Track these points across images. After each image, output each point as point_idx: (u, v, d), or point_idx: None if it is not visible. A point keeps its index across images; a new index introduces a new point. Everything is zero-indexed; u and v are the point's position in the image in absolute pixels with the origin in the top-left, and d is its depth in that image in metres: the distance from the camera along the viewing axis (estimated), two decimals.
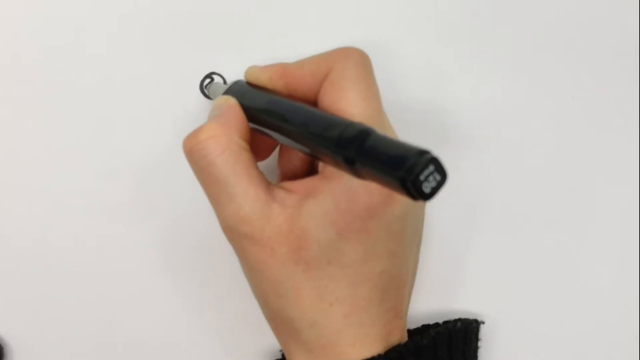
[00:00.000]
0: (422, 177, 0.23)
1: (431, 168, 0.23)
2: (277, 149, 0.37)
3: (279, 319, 0.33)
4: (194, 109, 0.38)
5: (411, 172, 0.23)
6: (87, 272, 0.39)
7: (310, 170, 0.35)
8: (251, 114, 0.33)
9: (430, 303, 0.40)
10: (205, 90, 0.38)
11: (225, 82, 0.38)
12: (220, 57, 0.38)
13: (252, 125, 0.33)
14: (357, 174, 0.26)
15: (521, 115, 0.40)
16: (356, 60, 0.32)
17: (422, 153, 0.23)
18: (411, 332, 0.37)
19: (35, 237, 0.39)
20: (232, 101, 0.33)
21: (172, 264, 0.40)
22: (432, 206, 0.38)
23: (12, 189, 0.39)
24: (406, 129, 0.34)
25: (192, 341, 0.40)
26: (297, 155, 0.35)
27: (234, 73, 0.38)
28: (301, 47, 0.37)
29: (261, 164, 0.33)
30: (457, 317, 0.39)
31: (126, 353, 0.40)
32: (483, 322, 0.39)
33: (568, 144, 0.41)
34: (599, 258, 0.41)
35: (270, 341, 0.39)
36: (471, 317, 0.39)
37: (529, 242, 0.41)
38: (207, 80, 0.38)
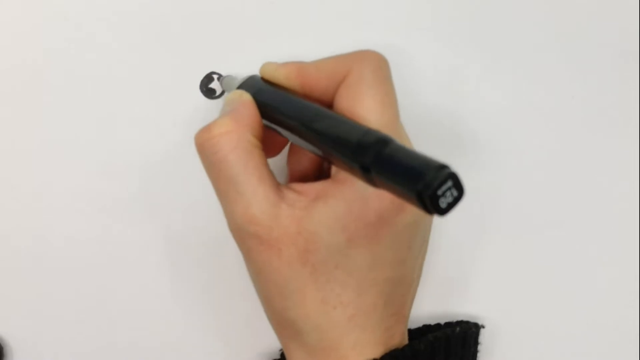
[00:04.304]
0: (439, 192, 0.23)
1: (449, 183, 0.23)
2: (287, 148, 0.37)
3: (281, 320, 0.33)
4: (194, 109, 0.38)
5: (429, 186, 0.23)
6: (87, 272, 0.39)
7: (320, 172, 0.35)
8: (265, 110, 0.32)
9: (432, 304, 0.40)
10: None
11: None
12: (220, 57, 0.38)
13: (264, 122, 0.33)
14: (372, 182, 0.25)
15: (521, 116, 0.40)
16: (375, 65, 0.32)
17: (442, 167, 0.23)
18: (411, 333, 0.37)
19: (36, 237, 0.39)
20: (246, 96, 0.33)
21: (172, 264, 0.40)
22: None
23: (12, 189, 0.38)
24: (407, 131, 0.34)
25: (192, 341, 0.40)
26: (307, 156, 0.35)
27: (234, 73, 0.38)
28: (303, 48, 0.37)
29: (271, 164, 0.33)
30: (459, 318, 0.39)
31: (126, 353, 0.40)
32: (483, 326, 0.39)
33: (568, 144, 0.41)
34: (602, 262, 0.41)
35: (269, 341, 0.39)
36: (473, 319, 0.39)
37: (532, 244, 0.41)
38: (207, 80, 0.38)
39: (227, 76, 0.37)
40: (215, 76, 0.38)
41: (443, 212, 0.23)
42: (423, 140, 0.36)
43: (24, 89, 0.38)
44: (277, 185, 0.31)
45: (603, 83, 0.41)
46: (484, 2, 0.40)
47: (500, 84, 0.40)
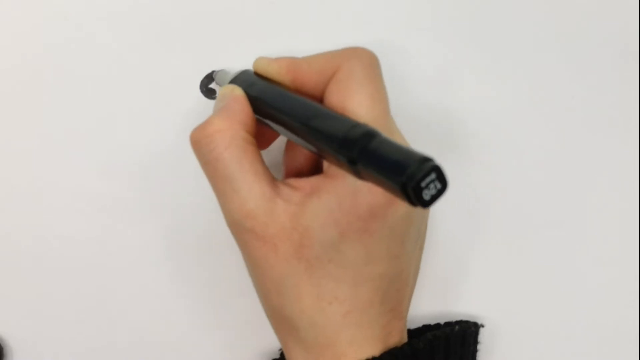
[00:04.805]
0: (423, 184, 0.23)
1: (433, 176, 0.23)
2: (284, 145, 0.37)
3: (278, 316, 0.33)
4: (194, 109, 0.38)
5: (412, 178, 0.23)
6: (86, 271, 0.39)
7: (316, 168, 0.35)
8: (257, 105, 0.33)
9: (432, 304, 0.40)
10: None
11: None
12: (220, 57, 0.38)
13: (256, 116, 0.33)
14: (359, 175, 0.26)
15: (521, 116, 0.40)
16: (365, 61, 0.32)
17: (425, 160, 0.23)
18: (411, 333, 0.37)
19: (36, 237, 0.39)
20: (238, 92, 0.33)
21: (172, 264, 0.40)
22: (435, 207, 0.38)
23: (12, 189, 0.39)
24: (406, 130, 0.34)
25: (192, 341, 0.40)
26: (303, 153, 0.35)
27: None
28: (303, 48, 0.37)
29: (266, 160, 0.33)
30: (458, 318, 0.39)
31: (126, 353, 0.40)
32: (482, 326, 0.39)
33: (568, 144, 0.41)
34: (602, 262, 0.41)
35: (269, 341, 0.39)
36: (472, 319, 0.39)
37: (531, 244, 0.41)
38: (207, 80, 0.38)
39: (221, 70, 0.37)
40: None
41: (426, 204, 0.24)
42: (422, 139, 0.36)
43: (24, 89, 0.38)
44: (273, 181, 0.31)
45: (603, 83, 0.41)
46: (484, 2, 0.40)
47: (500, 84, 0.40)
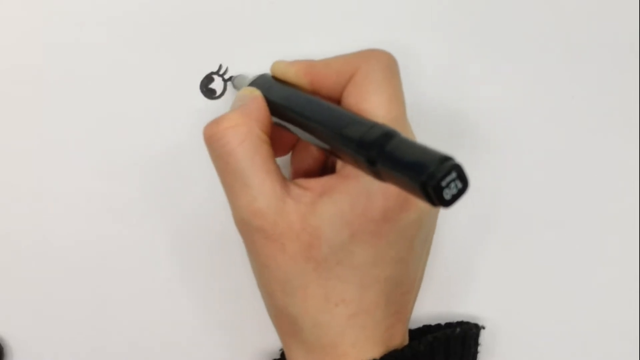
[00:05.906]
0: (443, 183, 0.23)
1: (453, 175, 0.23)
2: None
3: (282, 316, 0.33)
4: (194, 109, 0.38)
5: (433, 178, 0.23)
6: (87, 271, 0.39)
7: (324, 169, 0.35)
8: (275, 107, 0.33)
9: (433, 304, 0.40)
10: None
11: (224, 81, 0.38)
12: (220, 57, 0.38)
13: (274, 119, 0.33)
14: (378, 175, 0.26)
15: (521, 116, 0.40)
16: (383, 63, 0.32)
17: (446, 159, 0.23)
18: (412, 333, 0.37)
19: (36, 237, 0.39)
20: (256, 93, 0.33)
21: (172, 264, 0.40)
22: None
23: (12, 189, 0.38)
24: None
25: (192, 341, 0.40)
26: (312, 154, 0.35)
27: (235, 73, 0.38)
28: (304, 48, 0.37)
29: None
30: (459, 319, 0.39)
31: (126, 353, 0.40)
32: (483, 327, 0.39)
33: (568, 144, 0.41)
34: (602, 262, 0.41)
35: (269, 340, 0.39)
36: (473, 319, 0.39)
37: (532, 245, 0.41)
38: (207, 80, 0.38)
39: (239, 75, 0.38)
40: (215, 76, 0.38)
41: (447, 203, 0.23)
42: (422, 140, 0.36)
43: (24, 89, 0.38)
44: (284, 180, 0.31)
45: (603, 83, 0.41)
46: (484, 2, 0.40)
47: (501, 84, 0.40)
